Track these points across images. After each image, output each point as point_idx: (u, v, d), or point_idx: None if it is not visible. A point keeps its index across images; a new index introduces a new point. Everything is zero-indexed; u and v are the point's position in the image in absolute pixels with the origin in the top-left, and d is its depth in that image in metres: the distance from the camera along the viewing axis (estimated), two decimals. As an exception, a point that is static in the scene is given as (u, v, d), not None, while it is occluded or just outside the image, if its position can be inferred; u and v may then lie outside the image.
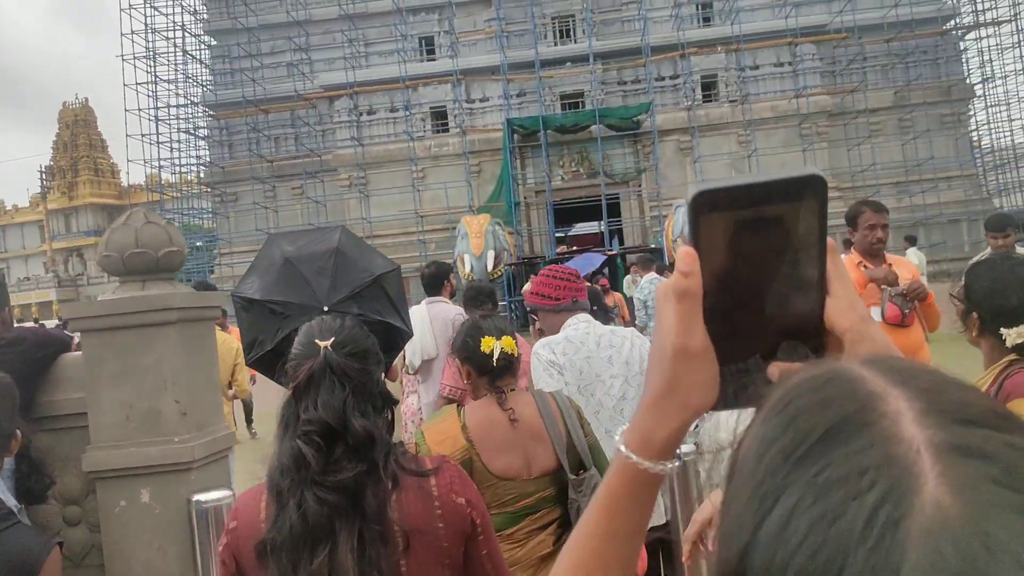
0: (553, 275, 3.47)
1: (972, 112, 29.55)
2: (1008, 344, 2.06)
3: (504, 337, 2.57)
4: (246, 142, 29.71)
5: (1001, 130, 30.40)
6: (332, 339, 1.56)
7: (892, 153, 27.20)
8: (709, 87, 28.59)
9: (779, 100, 27.82)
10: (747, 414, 1.12)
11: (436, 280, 5.25)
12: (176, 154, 30.68)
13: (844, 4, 27.47)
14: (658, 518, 3.19)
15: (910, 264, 4.68)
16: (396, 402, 1.64)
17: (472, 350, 2.55)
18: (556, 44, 30.19)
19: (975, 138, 29.87)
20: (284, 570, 1.42)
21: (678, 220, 23.22)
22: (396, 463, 1.54)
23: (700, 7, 30.37)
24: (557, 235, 28.88)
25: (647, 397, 0.71)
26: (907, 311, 4.11)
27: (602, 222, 35.51)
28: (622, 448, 0.72)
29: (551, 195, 27.34)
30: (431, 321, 4.98)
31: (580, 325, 3.31)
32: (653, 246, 24.43)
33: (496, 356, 2.50)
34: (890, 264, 4.48)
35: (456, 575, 1.61)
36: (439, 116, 29.63)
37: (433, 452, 2.47)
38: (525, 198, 28.31)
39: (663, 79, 28.41)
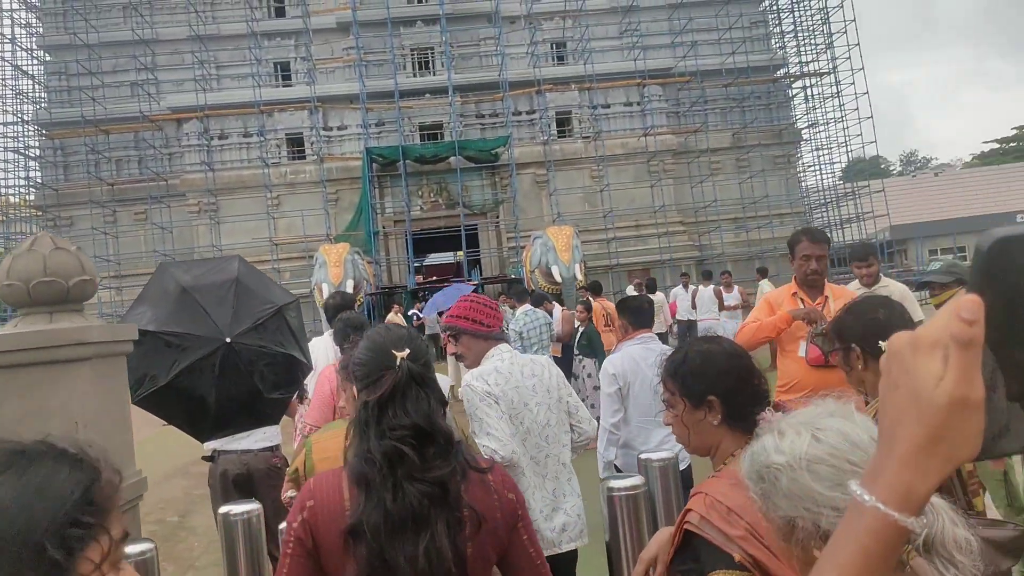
0: (481, 302, 3.45)
1: (799, 154, 32.10)
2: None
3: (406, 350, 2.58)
4: (84, 164, 27.97)
5: (823, 172, 33.20)
6: (407, 350, 1.75)
7: (731, 191, 29.06)
8: (564, 123, 29.59)
9: (629, 138, 29.17)
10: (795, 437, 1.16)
11: (341, 311, 4.97)
12: (2, 174, 28.47)
13: (687, 50, 29.26)
14: None
15: (851, 293, 4.37)
16: (447, 403, 1.86)
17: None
18: (415, 75, 30.38)
19: (802, 178, 32.43)
20: (376, 551, 1.59)
21: (535, 251, 23.78)
22: (464, 459, 1.74)
23: (555, 46, 31.47)
24: (415, 265, 28.88)
25: (901, 451, 0.67)
26: (828, 352, 4.03)
27: (458, 253, 35.97)
28: (880, 507, 0.68)
29: (410, 225, 27.34)
30: (336, 353, 4.84)
31: (505, 355, 3.34)
32: (513, 276, 24.88)
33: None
34: (827, 296, 4.25)
35: (497, 558, 1.79)
36: (295, 143, 29.06)
37: (317, 467, 2.56)
38: (384, 227, 28.15)
39: (520, 114, 29.16)
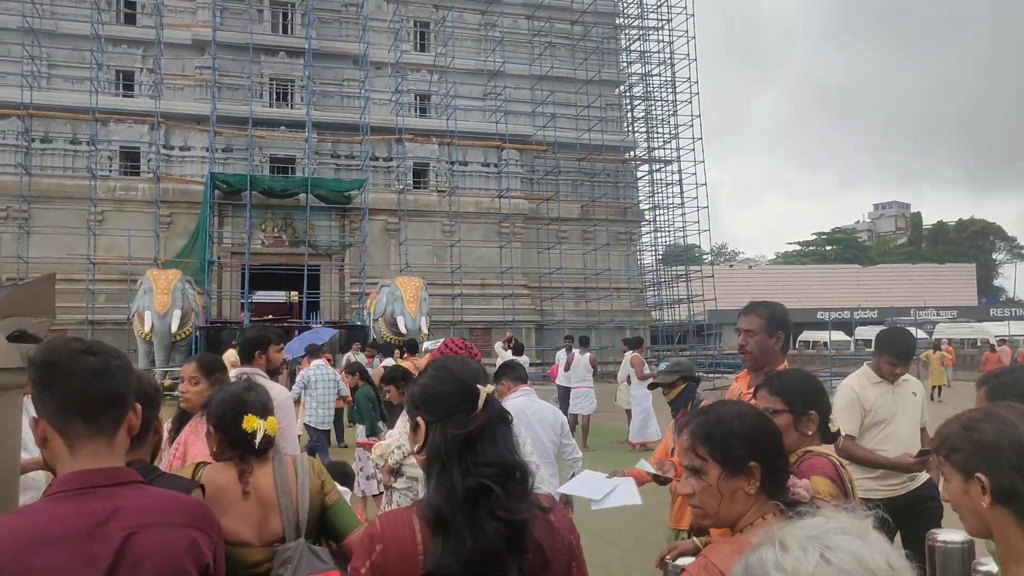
0: (466, 348, 3.66)
1: (640, 233, 33.66)
2: (833, 430, 2.57)
3: (268, 418, 2.48)
4: None
5: (659, 253, 35.01)
6: (490, 386, 1.72)
7: (575, 260, 29.87)
8: (420, 174, 29.43)
9: (483, 197, 29.42)
10: None
11: (252, 347, 4.22)
12: None
13: (546, 120, 30.12)
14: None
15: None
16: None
17: (231, 424, 2.44)
18: (272, 105, 29.26)
19: (640, 257, 33.97)
20: None
21: (381, 300, 23.18)
22: (533, 500, 1.69)
23: (419, 98, 31.43)
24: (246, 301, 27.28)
25: None
26: None
27: (292, 293, 34.49)
28: None
29: (249, 258, 25.89)
30: None
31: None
32: (359, 323, 24.06)
33: (259, 439, 2.42)
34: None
35: None
36: (130, 157, 26.97)
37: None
38: (220, 258, 26.49)
39: (377, 159, 28.70)
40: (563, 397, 12.03)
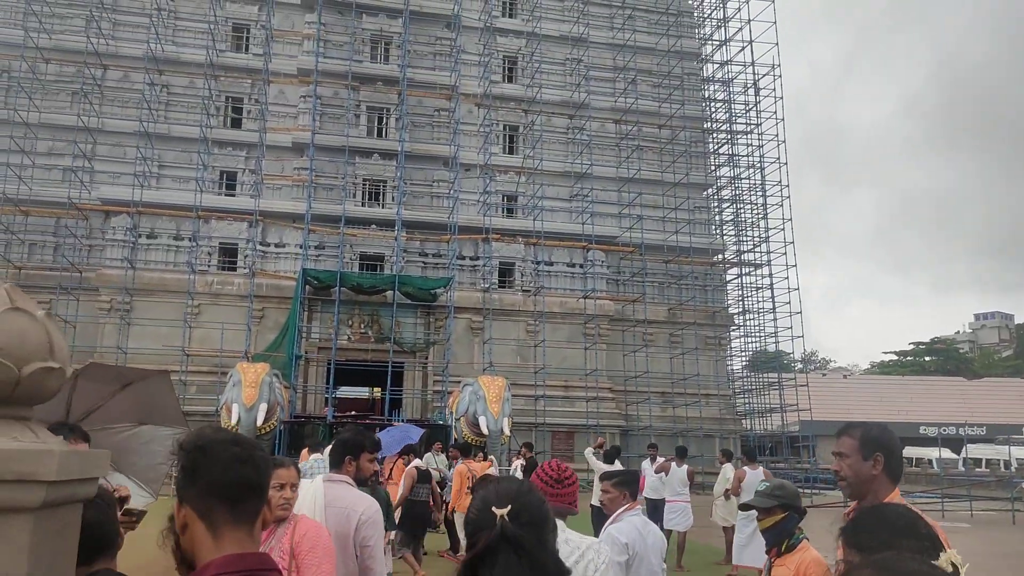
0: (558, 471, 3.34)
1: (729, 338, 32.65)
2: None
3: None
4: (-6, 242, 26.09)
5: (749, 359, 33.80)
6: (508, 507, 1.58)
7: (662, 364, 29.03)
8: (506, 273, 29.47)
9: (568, 297, 29.16)
10: None
11: (344, 452, 3.79)
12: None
13: (633, 222, 29.98)
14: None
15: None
16: (569, 571, 1.62)
17: None
18: (364, 204, 30.08)
19: (729, 362, 32.83)
20: None
21: (464, 399, 22.77)
22: None
23: (506, 198, 31.85)
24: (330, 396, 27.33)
25: None
26: None
27: (374, 389, 34.48)
28: None
29: (335, 353, 26.08)
30: (325, 508, 3.60)
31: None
32: (440, 422, 23.68)
33: None
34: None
35: None
36: (228, 253, 27.92)
37: None
38: (307, 353, 26.78)
39: (464, 258, 28.93)
40: (652, 511, 11.19)
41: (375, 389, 34.21)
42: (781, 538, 3.58)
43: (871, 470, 2.91)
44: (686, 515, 11.48)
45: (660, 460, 11.95)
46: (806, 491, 27.23)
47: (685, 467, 11.82)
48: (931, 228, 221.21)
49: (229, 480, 1.57)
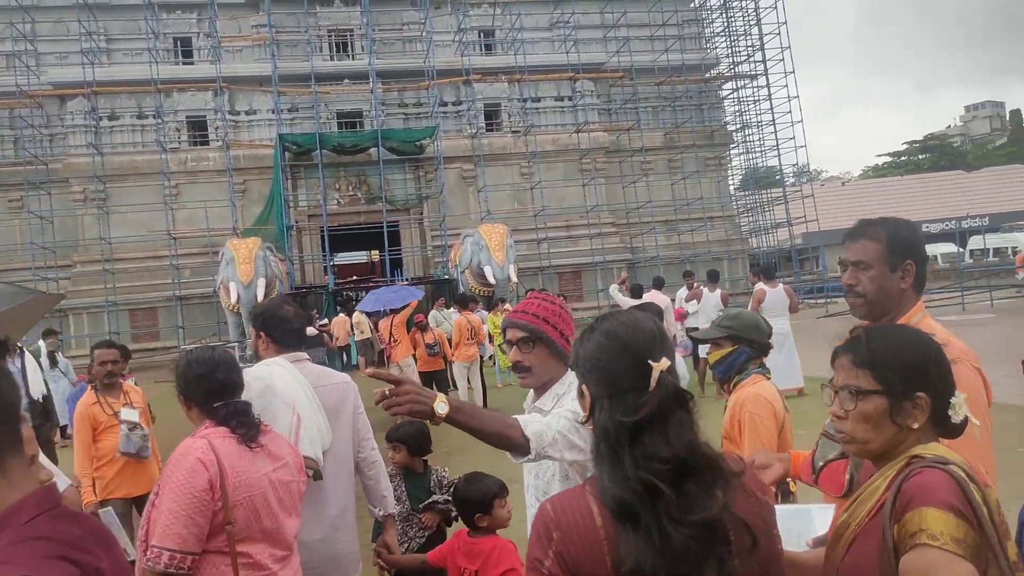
0: (564, 309, 2.57)
1: (729, 157, 31.57)
2: (956, 420, 1.61)
3: None
4: (-53, 142, 24.51)
5: (753, 175, 32.87)
6: (665, 360, 1.48)
7: (663, 192, 28.11)
8: (492, 116, 27.97)
9: (560, 134, 27.83)
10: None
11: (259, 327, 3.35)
12: None
13: (620, 45, 28.17)
14: None
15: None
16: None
17: None
18: (333, 59, 28.14)
19: (732, 182, 31.92)
20: None
21: (466, 251, 22.07)
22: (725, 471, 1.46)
23: (482, 35, 29.82)
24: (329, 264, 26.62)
25: None
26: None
27: (373, 252, 33.77)
28: None
29: (327, 220, 25.11)
30: (315, 389, 3.19)
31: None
32: (442, 276, 23.07)
33: None
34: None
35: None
36: (198, 127, 26.32)
37: None
38: (297, 222, 25.80)
39: (446, 104, 27.36)
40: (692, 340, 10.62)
41: (373, 252, 33.51)
42: (729, 374, 3.14)
43: (899, 283, 2.23)
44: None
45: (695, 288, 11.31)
46: (819, 301, 27.10)
47: (718, 291, 11.19)
48: (910, 24, 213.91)
49: None
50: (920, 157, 74.26)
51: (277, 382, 3.03)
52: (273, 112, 25.75)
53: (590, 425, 1.52)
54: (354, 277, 28.14)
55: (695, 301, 11.16)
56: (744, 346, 3.12)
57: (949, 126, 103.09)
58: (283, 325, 3.25)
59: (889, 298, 2.23)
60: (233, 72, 26.44)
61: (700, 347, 10.89)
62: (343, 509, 3.22)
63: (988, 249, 33.77)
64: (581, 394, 1.56)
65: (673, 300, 11.25)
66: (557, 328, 2.50)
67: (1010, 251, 33.40)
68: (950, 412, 1.59)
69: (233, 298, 20.85)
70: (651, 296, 10.65)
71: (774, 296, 10.24)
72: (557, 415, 2.12)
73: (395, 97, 27.40)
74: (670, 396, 1.44)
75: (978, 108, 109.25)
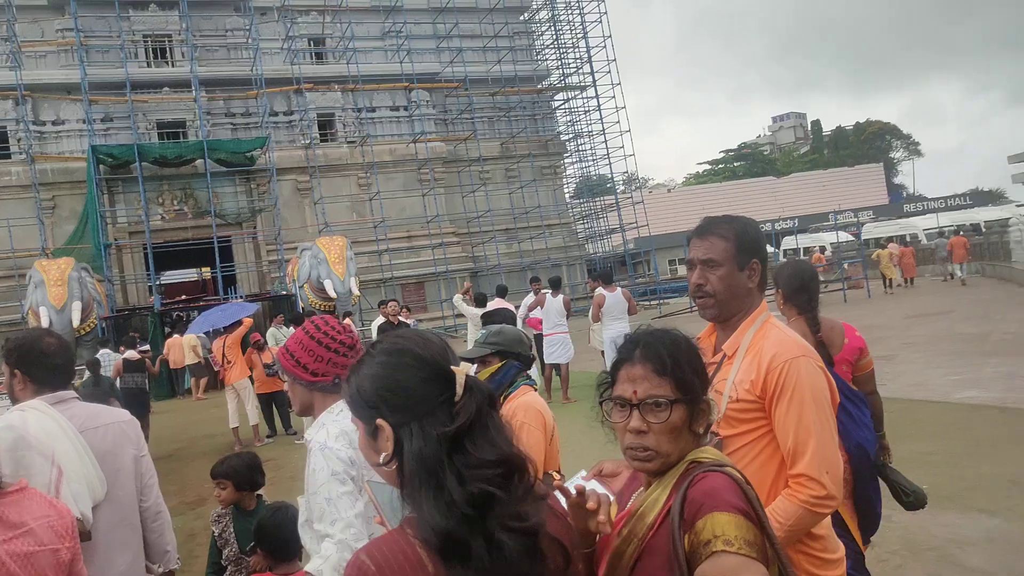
0: (321, 335, 2.38)
1: (564, 166, 32.43)
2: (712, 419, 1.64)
3: None
4: None
5: (587, 183, 33.93)
6: (469, 365, 1.61)
7: (502, 201, 28.45)
8: (326, 126, 27.29)
9: (397, 143, 27.56)
10: None
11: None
12: None
13: (454, 55, 28.28)
14: None
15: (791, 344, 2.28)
16: None
17: None
18: (150, 65, 26.46)
19: (567, 190, 32.79)
20: None
21: (304, 265, 21.34)
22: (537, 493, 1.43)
23: (312, 43, 29.03)
24: (156, 283, 24.94)
25: None
26: None
27: (203, 269, 32.02)
28: None
29: (150, 237, 23.51)
30: (82, 433, 2.72)
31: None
32: (284, 292, 22.15)
33: None
34: (736, 351, 2.27)
35: None
36: (-4, 138, 23.96)
37: None
38: (116, 240, 24.00)
39: (277, 114, 26.41)
40: (536, 345, 10.74)
41: (204, 269, 31.76)
42: (501, 388, 3.22)
43: (747, 282, 2.20)
44: (566, 347, 11.10)
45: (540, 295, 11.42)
46: (653, 303, 28.28)
47: (561, 297, 11.33)
48: (723, 39, 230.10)
49: None
50: (735, 164, 79.50)
51: (32, 430, 2.57)
52: (84, 122, 23.86)
53: (394, 464, 1.32)
54: (183, 296, 26.50)
55: (539, 308, 11.28)
56: (512, 360, 3.23)
57: (759, 136, 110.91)
58: (43, 360, 2.76)
59: (738, 298, 2.18)
60: (36, 79, 24.30)
61: (550, 354, 11.05)
62: (131, 562, 2.80)
63: (800, 249, 36.51)
64: (373, 432, 1.35)
65: (517, 307, 11.33)
66: (300, 363, 2.38)
67: (818, 249, 36.36)
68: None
69: (45, 324, 19.03)
70: (496, 304, 10.66)
71: (613, 300, 10.51)
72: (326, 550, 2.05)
73: (221, 106, 26.15)
74: (483, 397, 1.34)
75: (783, 119, 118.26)
